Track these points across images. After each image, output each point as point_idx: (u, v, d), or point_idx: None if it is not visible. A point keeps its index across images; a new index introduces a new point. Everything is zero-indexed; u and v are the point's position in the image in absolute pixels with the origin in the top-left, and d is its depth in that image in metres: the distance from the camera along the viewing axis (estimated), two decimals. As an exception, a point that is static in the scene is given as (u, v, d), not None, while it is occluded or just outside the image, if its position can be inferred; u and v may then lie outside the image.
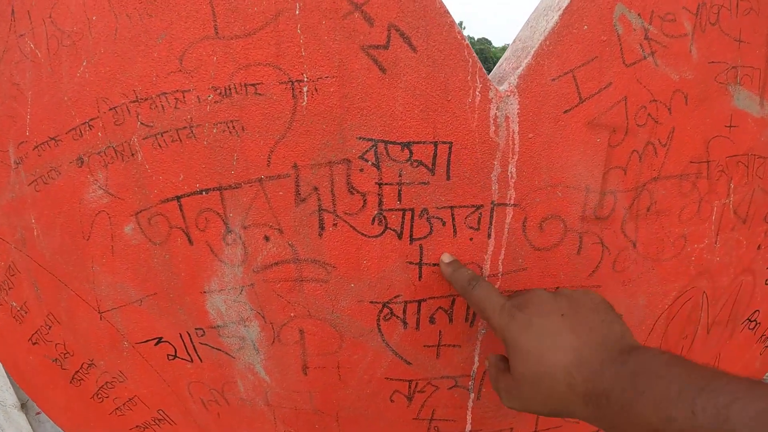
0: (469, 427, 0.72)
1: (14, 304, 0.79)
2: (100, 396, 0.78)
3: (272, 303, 0.57)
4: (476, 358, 0.64)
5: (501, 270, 0.56)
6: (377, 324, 0.57)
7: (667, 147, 0.63)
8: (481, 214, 0.53)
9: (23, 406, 1.13)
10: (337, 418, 0.66)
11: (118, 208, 0.62)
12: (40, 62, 0.65)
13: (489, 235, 0.55)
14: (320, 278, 0.55)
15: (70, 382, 0.79)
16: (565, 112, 0.53)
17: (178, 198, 0.60)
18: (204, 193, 0.58)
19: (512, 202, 0.54)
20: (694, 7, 0.63)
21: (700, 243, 0.73)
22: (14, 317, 0.81)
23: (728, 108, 0.70)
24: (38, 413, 1.17)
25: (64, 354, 0.76)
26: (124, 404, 0.75)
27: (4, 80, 0.70)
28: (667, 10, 0.60)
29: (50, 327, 0.75)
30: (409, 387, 0.64)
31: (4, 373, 1.08)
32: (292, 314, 0.57)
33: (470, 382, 0.66)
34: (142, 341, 0.66)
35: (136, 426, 0.78)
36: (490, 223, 0.54)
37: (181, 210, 0.60)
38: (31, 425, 1.16)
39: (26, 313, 0.78)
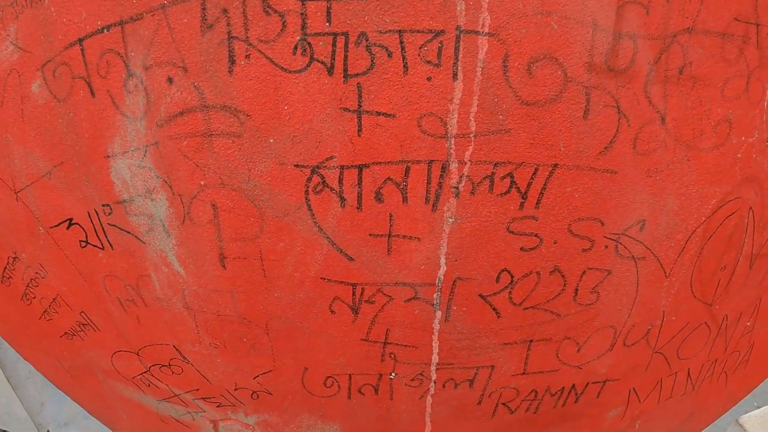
0: (435, 358, 0.61)
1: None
2: (28, 297, 0.74)
3: (179, 167, 0.48)
4: (443, 260, 0.52)
5: (474, 129, 0.45)
6: (305, 198, 0.47)
7: None
8: (442, 43, 0.42)
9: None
10: (267, 329, 0.58)
11: (27, 63, 0.59)
12: None
13: (455, 76, 0.43)
14: (232, 131, 0.45)
15: (2, 282, 0.74)
16: None
17: (80, 41, 0.51)
18: (105, 30, 0.50)
19: (487, 30, 0.41)
20: None
21: (749, 136, 0.59)
22: None
23: None
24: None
25: None
26: (50, 305, 0.72)
27: None
28: None
29: None
30: (354, 293, 0.54)
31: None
32: (201, 182, 0.48)
33: (435, 295, 0.55)
34: (55, 225, 0.59)
35: (65, 333, 0.72)
36: (456, 58, 0.42)
37: (83, 55, 0.52)
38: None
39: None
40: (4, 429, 1.53)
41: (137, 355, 0.73)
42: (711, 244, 0.64)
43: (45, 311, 0.80)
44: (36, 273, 0.75)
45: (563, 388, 0.71)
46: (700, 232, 0.61)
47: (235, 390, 0.69)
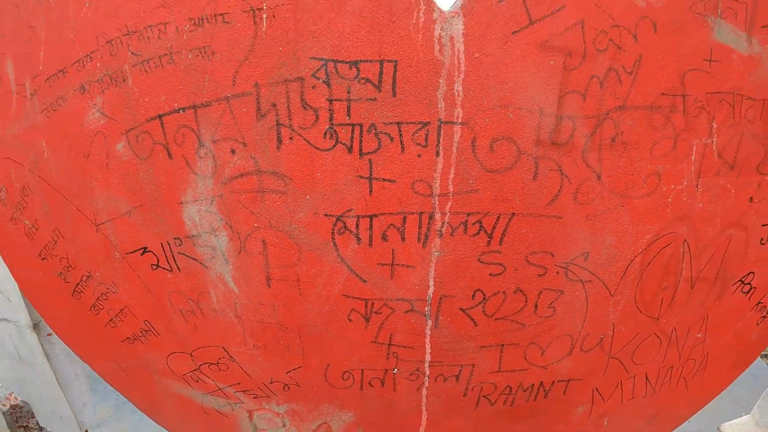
0: (428, 357, 0.79)
1: (27, 222, 0.94)
2: (96, 308, 0.92)
3: (238, 213, 0.67)
4: (431, 282, 0.71)
5: (452, 190, 0.63)
6: (332, 237, 0.66)
7: (633, 75, 0.66)
8: (428, 131, 0.60)
9: (35, 327, 1.32)
10: (299, 334, 0.76)
11: (112, 128, 0.74)
12: (51, 6, 0.76)
13: (437, 153, 0.61)
14: (279, 189, 0.64)
15: (72, 295, 0.94)
16: (514, 33, 0.58)
17: (160, 117, 0.71)
18: (181, 111, 0.69)
19: (460, 120, 0.60)
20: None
21: (678, 184, 0.76)
22: (27, 235, 0.96)
23: (707, 41, 0.71)
24: (49, 334, 1.36)
25: (67, 267, 0.91)
26: (116, 315, 0.89)
27: (22, 24, 0.83)
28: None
29: (56, 242, 0.90)
30: (366, 306, 0.72)
31: (20, 294, 1.26)
32: (255, 225, 0.67)
33: (426, 308, 0.73)
34: (131, 251, 0.79)
35: (127, 338, 0.91)
36: (438, 141, 0.60)
37: (162, 127, 0.71)
38: (42, 346, 1.34)
39: (37, 230, 0.93)
40: (44, 426, 1.72)
41: (190, 355, 0.91)
42: (650, 269, 0.81)
43: (111, 320, 0.99)
44: (107, 289, 0.94)
45: (533, 384, 0.87)
46: (638, 261, 0.79)
47: (270, 383, 0.87)
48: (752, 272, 0.95)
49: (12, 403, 1.79)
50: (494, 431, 0.94)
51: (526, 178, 0.65)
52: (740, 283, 0.95)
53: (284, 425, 0.97)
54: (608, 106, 0.67)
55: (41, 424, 1.74)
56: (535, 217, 0.67)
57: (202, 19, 0.65)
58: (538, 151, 0.65)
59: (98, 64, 0.77)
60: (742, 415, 1.77)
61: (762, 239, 0.91)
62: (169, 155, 0.72)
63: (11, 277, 1.29)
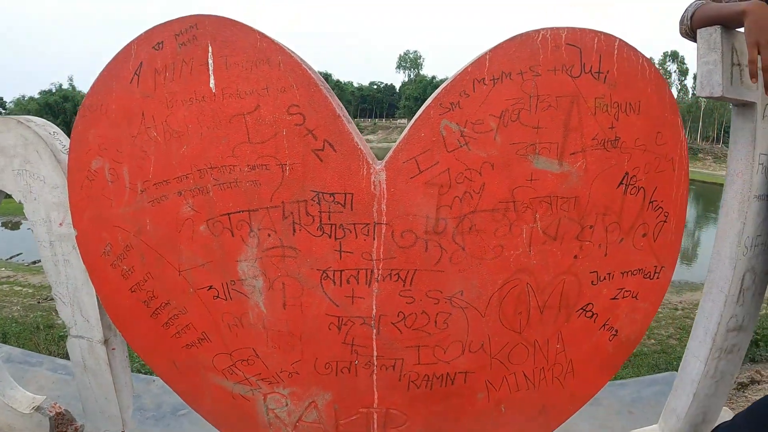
0: (375, 352, 1.40)
1: (125, 267, 1.56)
2: (168, 324, 1.53)
3: (270, 268, 1.30)
4: (374, 307, 1.33)
5: (382, 257, 1.27)
6: (320, 281, 1.29)
7: (479, 194, 1.31)
8: (369, 227, 1.26)
9: (105, 342, 1.89)
10: (300, 338, 1.37)
11: (197, 217, 1.38)
12: (160, 143, 1.43)
13: (374, 238, 1.26)
14: (293, 255, 1.28)
15: (151, 316, 1.55)
16: (411, 177, 1.25)
17: (228, 214, 1.35)
18: (240, 212, 1.34)
19: (385, 222, 1.25)
20: (498, 113, 1.28)
21: (516, 250, 1.39)
22: (122, 275, 1.58)
23: (529, 169, 1.34)
24: (113, 348, 1.93)
25: (151, 297, 1.52)
26: (182, 329, 1.50)
27: (137, 149, 1.49)
28: (478, 118, 1.28)
29: (146, 280, 1.52)
30: (339, 320, 1.34)
31: (97, 316, 1.85)
32: (279, 274, 1.30)
33: (372, 322, 1.35)
34: (201, 288, 1.41)
35: (186, 345, 1.51)
36: (374, 232, 1.25)
37: (229, 220, 1.35)
38: (107, 356, 1.91)
39: (131, 272, 1.55)
40: (87, 427, 2.24)
41: (230, 355, 1.50)
42: (506, 300, 1.43)
43: (177, 332, 1.59)
44: (179, 311, 1.54)
45: (442, 374, 1.46)
46: (496, 295, 1.41)
47: (280, 372, 1.46)
48: (591, 303, 1.56)
49: (56, 411, 2.34)
50: (422, 408, 1.52)
51: (422, 250, 1.29)
52: (582, 310, 1.55)
53: (287, 404, 1.54)
54: (465, 212, 1.31)
55: (87, 422, 2.26)
56: (428, 271, 1.31)
57: (255, 166, 1.31)
58: (427, 236, 1.29)
59: (191, 181, 1.42)
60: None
61: (592, 281, 1.53)
62: (232, 234, 1.37)
63: (95, 306, 1.89)
